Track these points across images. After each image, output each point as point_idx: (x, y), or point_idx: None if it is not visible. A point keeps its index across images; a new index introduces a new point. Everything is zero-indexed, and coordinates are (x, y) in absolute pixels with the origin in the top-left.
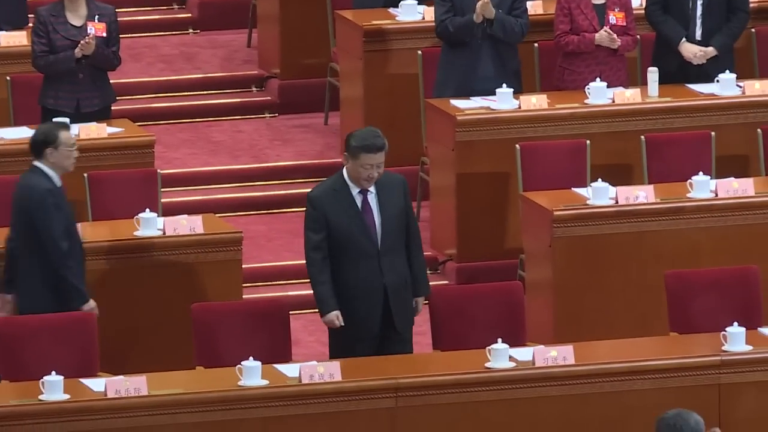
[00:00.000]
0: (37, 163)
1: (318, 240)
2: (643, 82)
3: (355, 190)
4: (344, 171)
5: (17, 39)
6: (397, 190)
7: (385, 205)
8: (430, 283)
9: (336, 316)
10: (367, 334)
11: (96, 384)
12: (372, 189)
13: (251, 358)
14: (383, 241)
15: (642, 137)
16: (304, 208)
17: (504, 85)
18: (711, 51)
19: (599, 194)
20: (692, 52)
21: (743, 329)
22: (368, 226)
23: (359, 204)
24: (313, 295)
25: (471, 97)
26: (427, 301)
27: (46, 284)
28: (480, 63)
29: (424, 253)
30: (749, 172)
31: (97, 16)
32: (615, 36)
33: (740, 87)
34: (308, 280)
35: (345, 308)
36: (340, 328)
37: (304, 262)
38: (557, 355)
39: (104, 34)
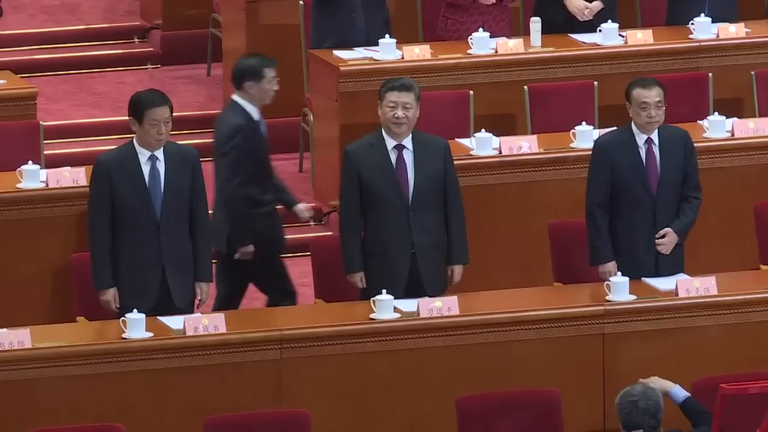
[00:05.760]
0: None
1: (350, 196)
2: (526, 33)
3: (390, 145)
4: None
5: None
6: (437, 153)
7: (421, 164)
8: (316, 234)
9: (360, 278)
10: (395, 292)
11: None
12: (409, 146)
13: (135, 309)
14: (414, 198)
15: (525, 87)
16: None
17: (387, 36)
18: (597, 6)
19: (483, 145)
20: (578, 7)
21: (626, 279)
22: (400, 182)
23: (393, 159)
24: (342, 250)
25: (354, 48)
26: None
27: None
28: (355, 15)
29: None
30: None
31: None
32: None
33: (623, 37)
34: None
35: (374, 263)
36: (369, 284)
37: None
38: (442, 306)
39: None
